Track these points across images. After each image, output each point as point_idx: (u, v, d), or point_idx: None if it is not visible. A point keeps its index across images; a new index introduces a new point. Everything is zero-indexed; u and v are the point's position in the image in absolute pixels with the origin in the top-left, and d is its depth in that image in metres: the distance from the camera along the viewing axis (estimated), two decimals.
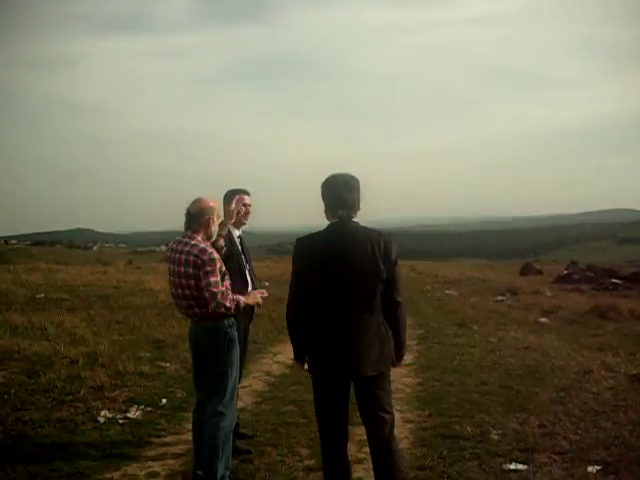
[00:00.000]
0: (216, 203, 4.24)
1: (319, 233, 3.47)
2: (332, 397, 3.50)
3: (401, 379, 7.14)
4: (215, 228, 4.15)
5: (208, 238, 4.12)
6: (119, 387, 6.45)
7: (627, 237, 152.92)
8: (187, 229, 4.07)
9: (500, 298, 16.90)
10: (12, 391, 6.08)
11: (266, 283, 15.73)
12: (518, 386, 6.63)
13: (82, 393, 6.10)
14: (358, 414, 3.56)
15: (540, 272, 28.59)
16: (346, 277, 3.33)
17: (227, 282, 4.09)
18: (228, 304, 3.89)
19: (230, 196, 4.76)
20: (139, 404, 5.92)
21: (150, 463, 4.56)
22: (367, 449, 3.64)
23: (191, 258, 3.91)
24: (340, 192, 3.42)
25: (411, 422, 5.55)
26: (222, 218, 4.34)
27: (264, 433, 5.19)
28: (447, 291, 18.98)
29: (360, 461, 4.38)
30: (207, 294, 3.86)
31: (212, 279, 3.86)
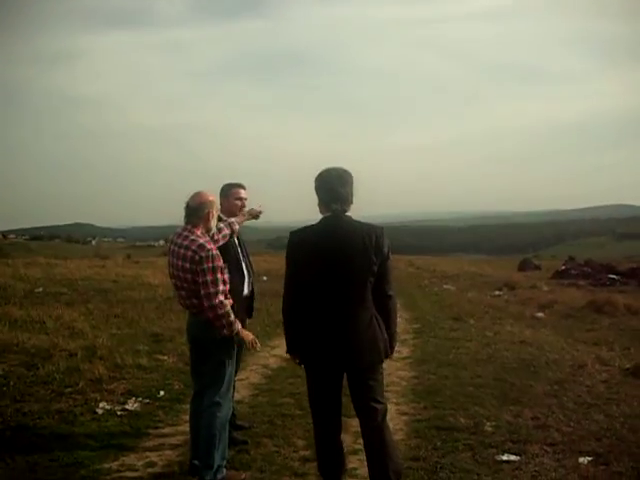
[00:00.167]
0: (215, 197, 4.30)
1: (312, 226, 3.52)
2: (325, 388, 3.56)
3: (397, 372, 7.22)
4: (214, 222, 4.21)
5: (207, 231, 4.17)
6: (117, 379, 6.50)
7: (625, 233, 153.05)
8: (187, 223, 4.12)
9: (497, 293, 16.96)
10: (11, 383, 6.13)
11: (264, 277, 15.81)
12: (513, 379, 6.70)
13: (81, 385, 6.15)
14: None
15: (538, 267, 28.66)
16: (338, 270, 3.38)
17: (226, 275, 4.15)
18: (219, 312, 3.89)
19: (226, 190, 4.82)
20: (137, 396, 5.98)
21: (147, 453, 4.62)
22: (362, 440, 3.70)
23: (189, 253, 3.95)
24: (334, 186, 3.47)
25: (406, 414, 5.61)
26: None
27: (260, 424, 5.26)
28: (445, 286, 19.04)
29: (355, 452, 4.44)
30: (202, 292, 3.91)
31: (209, 278, 3.89)
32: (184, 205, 4.14)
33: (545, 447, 4.68)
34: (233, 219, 4.65)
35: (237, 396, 5.69)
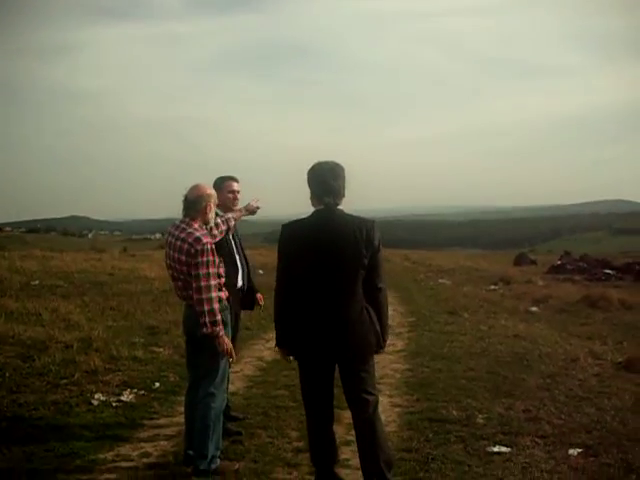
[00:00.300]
0: (212, 189, 4.32)
1: (304, 220, 3.56)
2: (317, 380, 3.61)
3: (391, 365, 7.27)
4: (212, 215, 4.23)
5: (205, 224, 4.21)
6: (113, 371, 6.54)
7: (622, 228, 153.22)
8: (185, 215, 4.15)
9: (493, 287, 17.03)
10: (7, 374, 6.16)
11: (260, 271, 15.84)
12: (505, 372, 6.75)
13: (76, 377, 6.19)
14: None
15: (534, 262, 28.71)
16: (330, 262, 3.43)
17: (221, 269, 4.19)
18: (205, 307, 3.90)
19: (219, 183, 4.84)
20: (132, 388, 6.02)
21: (142, 444, 4.66)
22: (354, 431, 3.75)
23: (185, 246, 3.98)
24: (326, 179, 3.51)
25: (399, 406, 5.67)
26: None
27: (255, 416, 5.31)
28: (440, 280, 19.10)
29: (348, 443, 4.48)
30: (194, 284, 3.94)
31: (201, 271, 3.92)
32: (182, 198, 4.18)
33: (536, 439, 4.74)
34: (230, 215, 4.68)
35: (232, 388, 5.75)
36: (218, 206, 4.70)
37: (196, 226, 4.09)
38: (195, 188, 4.15)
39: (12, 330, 7.81)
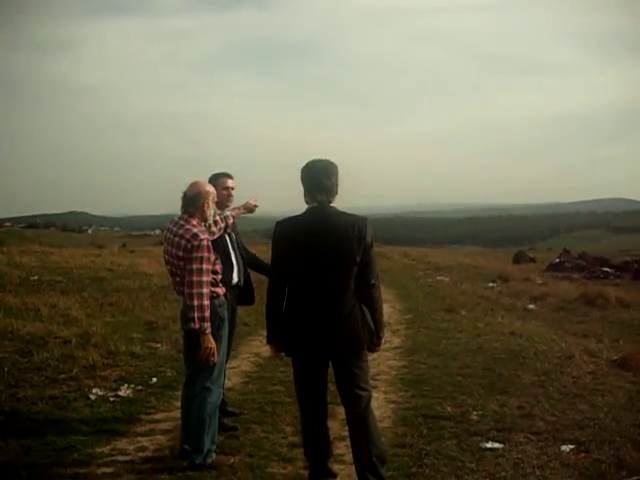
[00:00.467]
0: (211, 187, 4.36)
1: (298, 217, 3.61)
2: (310, 375, 3.66)
3: (387, 362, 7.31)
4: (211, 212, 4.27)
5: (204, 221, 4.25)
6: (111, 366, 6.59)
7: (621, 226, 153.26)
8: (184, 212, 4.21)
9: (491, 285, 17.03)
10: (6, 369, 6.22)
11: None
12: (501, 369, 6.78)
13: (74, 372, 6.25)
14: None
15: (533, 260, 28.71)
16: (323, 259, 3.47)
17: (218, 266, 4.24)
18: (195, 302, 3.94)
19: (213, 180, 4.85)
20: (130, 383, 6.08)
21: (139, 438, 4.72)
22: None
23: (182, 242, 4.04)
24: (319, 177, 3.55)
25: (394, 402, 5.71)
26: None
27: (250, 411, 5.36)
28: (438, 277, 19.10)
29: (343, 438, 4.52)
30: (187, 278, 3.99)
31: (195, 266, 3.97)
32: (182, 195, 4.24)
33: (529, 435, 4.78)
34: (229, 213, 4.72)
35: (228, 383, 5.79)
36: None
37: (194, 223, 4.14)
38: (194, 185, 4.20)
39: (11, 325, 7.87)
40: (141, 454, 4.42)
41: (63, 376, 6.14)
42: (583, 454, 4.42)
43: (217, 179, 4.87)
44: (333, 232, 3.48)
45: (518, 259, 29.13)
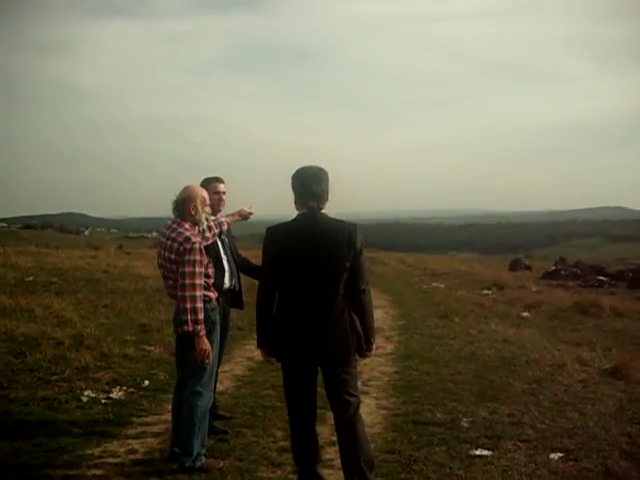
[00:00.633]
0: (202, 191, 4.38)
1: (288, 223, 3.64)
2: (299, 381, 3.68)
3: (379, 367, 7.33)
4: (201, 215, 4.28)
5: (196, 224, 4.27)
6: (103, 368, 6.60)
7: (618, 235, 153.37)
8: (176, 216, 4.24)
9: (485, 292, 17.10)
10: None
11: None
12: (492, 377, 6.81)
13: (67, 373, 6.25)
14: None
15: (529, 268, 28.80)
16: (313, 265, 3.50)
17: (210, 269, 4.27)
18: (188, 305, 3.97)
19: (204, 184, 4.85)
20: (122, 385, 6.09)
21: (130, 441, 4.73)
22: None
23: (175, 245, 4.07)
24: (310, 183, 3.59)
25: (385, 408, 5.73)
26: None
27: (241, 415, 5.37)
28: (434, 284, 19.15)
29: (333, 444, 4.51)
30: (179, 281, 4.02)
31: (187, 269, 3.99)
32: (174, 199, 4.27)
33: (518, 443, 4.80)
34: (223, 219, 4.74)
35: (220, 387, 5.81)
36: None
37: (187, 226, 4.17)
38: (184, 189, 4.25)
39: (4, 326, 7.87)
40: (131, 456, 4.43)
41: (55, 377, 6.15)
42: (571, 462, 4.44)
43: (208, 184, 4.89)
44: (323, 238, 3.51)
45: (514, 266, 29.22)
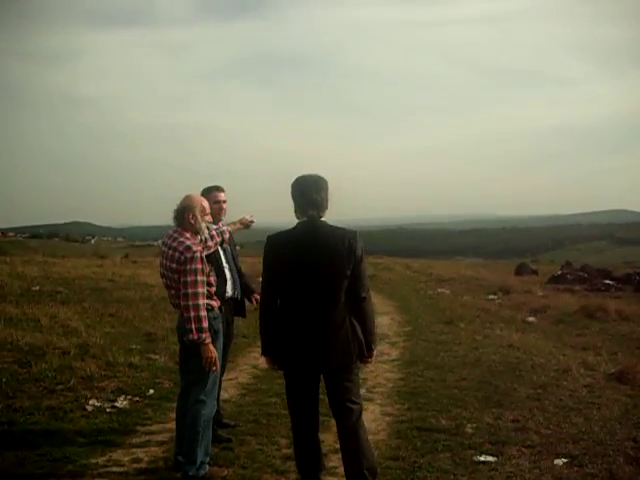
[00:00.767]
0: (201, 200, 4.39)
1: (289, 231, 3.66)
2: (301, 388, 3.69)
3: (385, 374, 7.34)
4: (201, 224, 4.29)
5: (196, 233, 4.29)
6: (108, 377, 6.61)
7: (625, 238, 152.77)
8: (177, 225, 4.26)
9: (491, 297, 17.04)
10: (3, 380, 6.23)
11: (260, 279, 15.91)
12: (497, 382, 6.79)
13: (72, 383, 6.27)
14: None
15: (535, 272, 28.67)
16: (313, 273, 3.51)
17: (212, 277, 4.28)
18: (192, 313, 3.98)
19: (205, 194, 4.86)
20: (127, 394, 6.10)
21: (134, 450, 4.74)
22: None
23: (176, 254, 4.09)
24: (310, 192, 3.61)
25: (390, 415, 5.72)
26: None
27: (246, 423, 5.38)
28: (439, 289, 19.11)
29: (336, 451, 4.50)
30: (181, 291, 4.03)
31: (189, 278, 4.01)
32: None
33: (523, 449, 4.79)
34: (225, 227, 4.74)
35: (225, 395, 5.82)
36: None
37: (188, 235, 4.18)
38: (184, 198, 4.27)
39: (11, 336, 7.90)
40: (135, 465, 4.44)
41: (61, 387, 6.17)
42: (576, 468, 4.42)
43: (209, 192, 4.90)
44: (323, 245, 3.52)
45: (520, 271, 29.09)
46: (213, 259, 4.66)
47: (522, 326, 11.62)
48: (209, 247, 4.45)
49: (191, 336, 4.01)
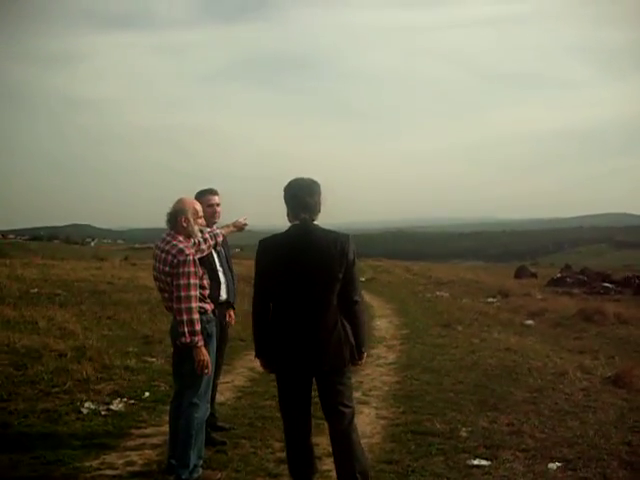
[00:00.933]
0: (194, 203, 4.38)
1: (281, 234, 3.66)
2: (294, 392, 3.69)
3: (381, 377, 7.34)
4: (193, 227, 4.28)
5: (189, 236, 4.28)
6: (104, 380, 6.61)
7: (625, 241, 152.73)
8: (170, 229, 4.26)
9: (490, 300, 17.04)
10: None
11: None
12: (493, 386, 6.78)
13: (68, 385, 6.27)
14: None
15: (534, 275, 28.66)
16: (305, 276, 3.52)
17: (205, 281, 4.28)
18: (184, 317, 3.98)
19: (198, 197, 4.85)
20: (122, 397, 6.09)
21: (128, 453, 4.74)
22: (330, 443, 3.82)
23: (169, 257, 4.08)
24: (302, 195, 3.61)
25: (385, 418, 5.72)
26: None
27: (240, 426, 5.37)
28: (438, 292, 19.12)
29: (330, 455, 4.48)
30: (174, 294, 4.03)
31: (182, 282, 4.01)
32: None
33: (517, 453, 4.78)
34: (218, 230, 4.74)
35: (220, 398, 5.82)
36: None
37: (181, 238, 4.18)
38: (176, 202, 4.27)
39: (7, 338, 7.90)
40: (129, 468, 4.44)
41: (56, 389, 6.17)
42: (570, 472, 4.42)
43: (202, 196, 4.89)
44: (315, 249, 3.53)
45: (519, 274, 29.08)
46: (207, 262, 4.66)
47: (520, 329, 11.62)
48: (202, 250, 4.45)
49: (183, 339, 4.01)
